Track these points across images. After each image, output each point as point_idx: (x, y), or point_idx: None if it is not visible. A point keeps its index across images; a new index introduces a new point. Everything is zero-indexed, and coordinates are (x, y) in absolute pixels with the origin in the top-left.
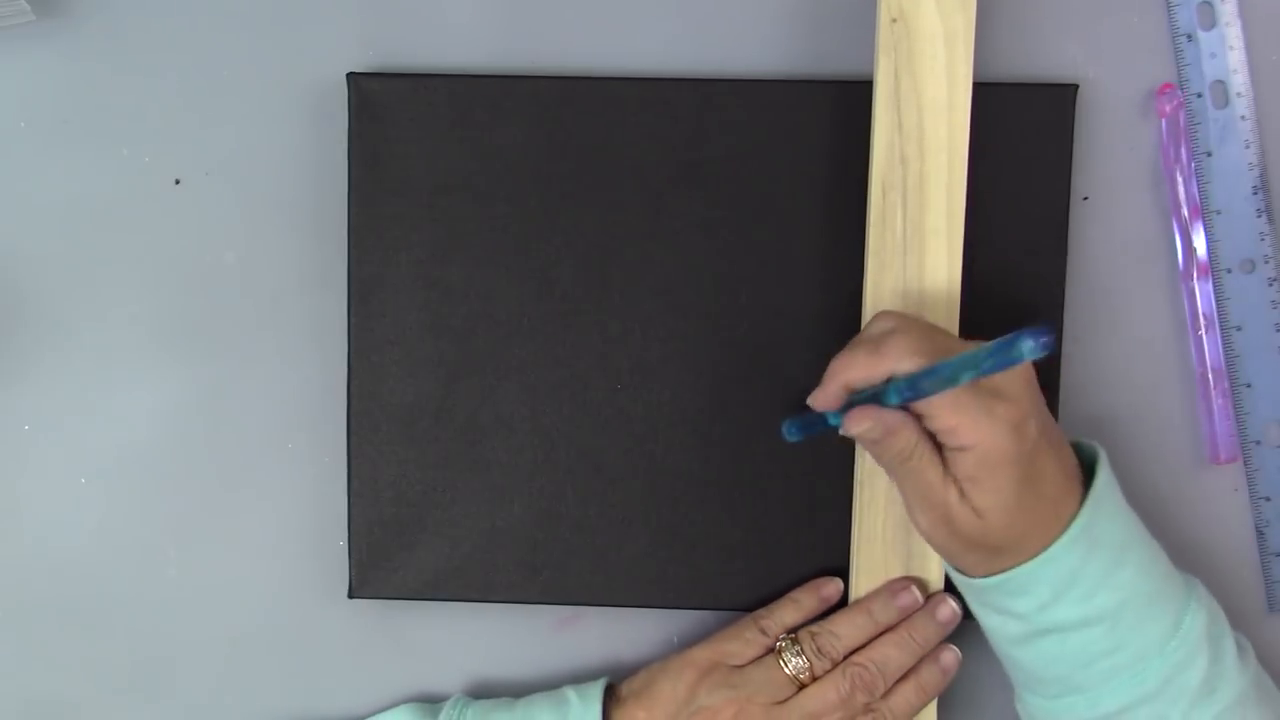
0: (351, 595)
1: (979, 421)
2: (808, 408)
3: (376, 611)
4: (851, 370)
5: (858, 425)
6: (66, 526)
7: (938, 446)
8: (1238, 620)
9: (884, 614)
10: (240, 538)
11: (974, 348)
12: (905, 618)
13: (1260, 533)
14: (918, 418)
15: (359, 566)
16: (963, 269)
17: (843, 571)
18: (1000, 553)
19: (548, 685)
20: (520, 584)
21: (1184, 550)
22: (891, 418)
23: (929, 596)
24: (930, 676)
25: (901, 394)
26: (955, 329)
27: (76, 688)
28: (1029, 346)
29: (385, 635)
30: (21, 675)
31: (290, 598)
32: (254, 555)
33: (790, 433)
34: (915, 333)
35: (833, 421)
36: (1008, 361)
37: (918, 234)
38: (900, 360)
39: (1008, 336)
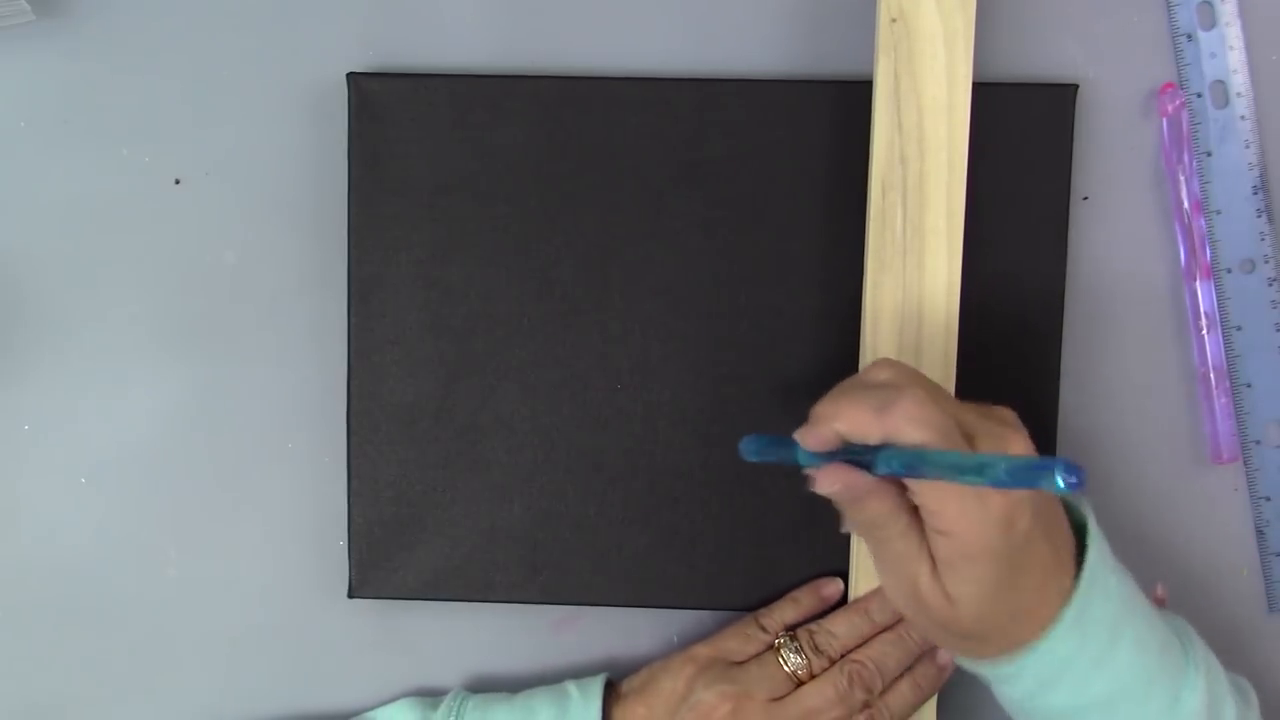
0: (351, 595)
1: (966, 509)
2: (778, 435)
3: (376, 611)
4: (850, 421)
5: (828, 485)
6: (66, 526)
7: (918, 516)
8: (1238, 620)
9: (881, 614)
10: (240, 537)
11: (987, 435)
12: (902, 617)
13: (1260, 533)
14: (902, 484)
15: (359, 566)
16: (962, 269)
17: (842, 571)
18: (973, 640)
19: (548, 684)
20: (520, 584)
21: (1184, 550)
22: (863, 483)
23: None
24: (927, 674)
25: (893, 468)
26: (954, 327)
27: (76, 688)
28: (1060, 480)
29: (385, 635)
30: (21, 675)
31: (290, 598)
32: (254, 555)
33: (749, 451)
34: (924, 399)
35: (801, 461)
36: (1028, 484)
37: (918, 234)
38: (905, 429)
39: (1037, 459)
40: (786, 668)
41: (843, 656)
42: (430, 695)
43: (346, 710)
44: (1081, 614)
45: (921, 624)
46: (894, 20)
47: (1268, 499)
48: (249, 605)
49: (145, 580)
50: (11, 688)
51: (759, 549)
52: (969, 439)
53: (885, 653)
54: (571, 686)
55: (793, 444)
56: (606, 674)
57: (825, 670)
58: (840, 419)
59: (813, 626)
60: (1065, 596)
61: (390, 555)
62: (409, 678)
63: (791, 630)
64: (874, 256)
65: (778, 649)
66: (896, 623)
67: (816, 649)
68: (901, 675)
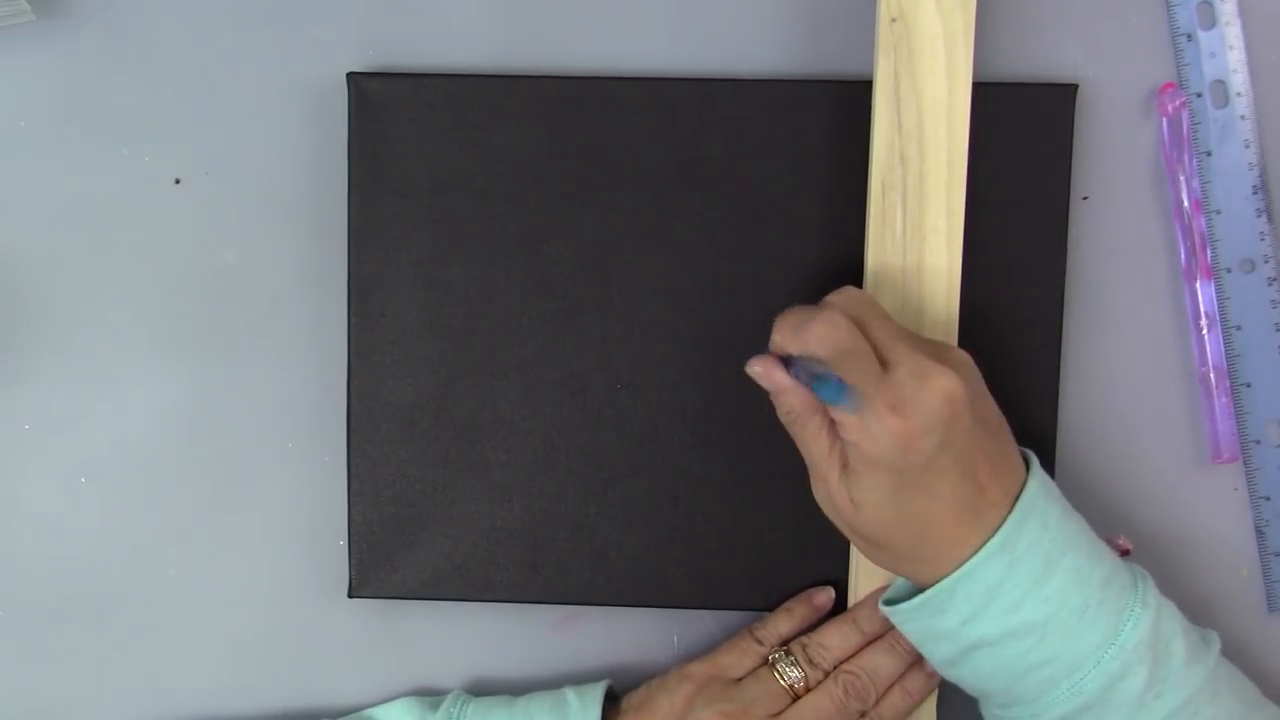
0: (351, 595)
1: (865, 422)
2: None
3: (376, 611)
4: (778, 333)
5: (753, 369)
6: (66, 526)
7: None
8: (1238, 620)
9: (870, 624)
10: (240, 537)
11: (906, 368)
12: (891, 626)
13: (1260, 533)
14: None
15: (359, 566)
16: (962, 268)
17: (843, 571)
18: (884, 550)
19: (548, 685)
20: (520, 584)
21: (1184, 550)
22: (781, 379)
23: None
24: (916, 682)
25: (798, 375)
26: (955, 327)
27: (76, 688)
28: (829, 392)
29: (385, 635)
30: (21, 675)
31: (290, 598)
32: (254, 555)
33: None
34: (835, 322)
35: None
36: (824, 399)
37: (918, 233)
38: (812, 346)
39: (826, 378)
40: (783, 682)
41: (835, 668)
42: (430, 695)
43: (346, 710)
44: (1011, 541)
45: (837, 525)
46: (894, 20)
47: (1267, 499)
48: (249, 605)
49: (145, 580)
50: (11, 688)
51: (759, 549)
52: (885, 365)
53: (877, 662)
54: (571, 694)
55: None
56: (607, 681)
57: (820, 682)
58: (775, 332)
59: (805, 639)
60: (992, 528)
61: (390, 555)
62: (409, 677)
63: (785, 644)
64: (874, 256)
65: (773, 664)
66: (886, 632)
67: (810, 661)
68: (892, 684)
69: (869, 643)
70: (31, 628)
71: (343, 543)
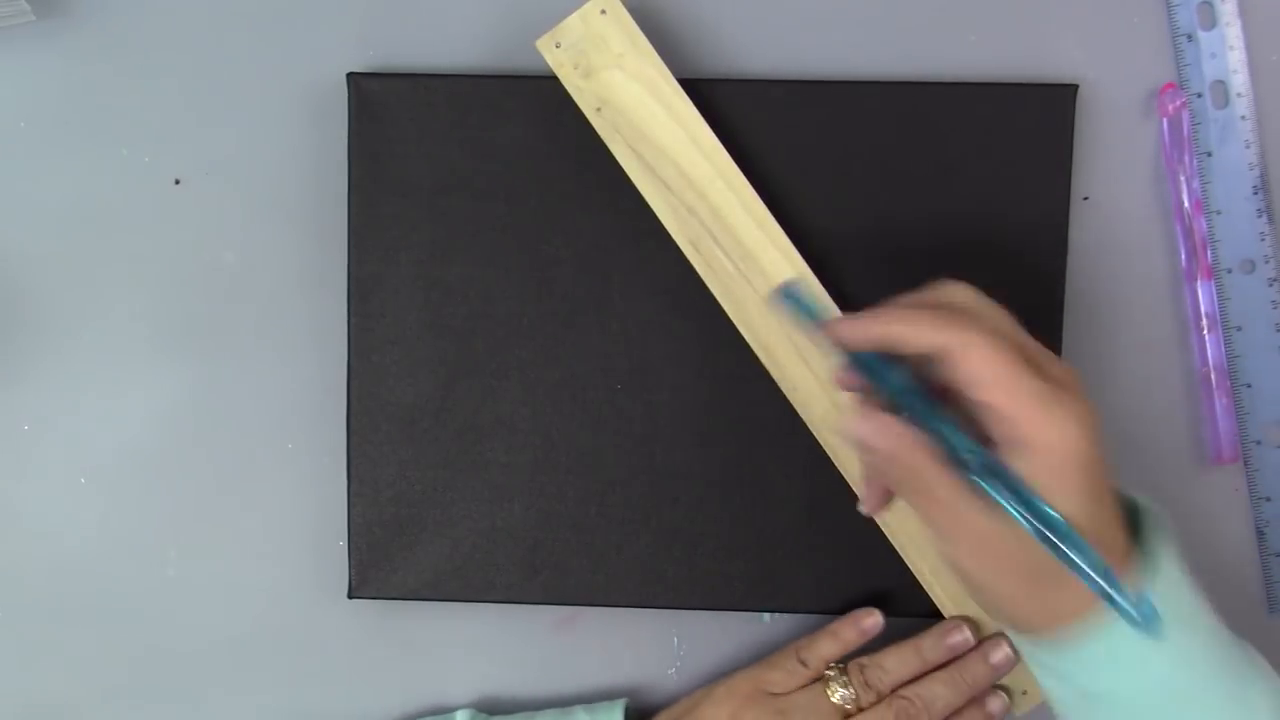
0: (351, 595)
1: (1046, 407)
2: (804, 298)
3: (376, 611)
4: (901, 325)
5: (857, 430)
6: (66, 526)
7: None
8: (1237, 620)
9: (933, 652)
10: (240, 538)
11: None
12: (955, 657)
13: (1260, 533)
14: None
15: (359, 566)
16: (962, 269)
17: (843, 571)
18: (1041, 589)
19: (548, 685)
20: (520, 584)
21: (1184, 551)
22: (899, 433)
23: (985, 639)
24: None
25: (913, 408)
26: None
27: (76, 688)
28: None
29: (385, 635)
30: (21, 675)
31: (290, 598)
32: (254, 555)
33: (786, 296)
34: (997, 346)
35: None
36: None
37: (746, 257)
38: (969, 363)
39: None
40: (834, 699)
41: (892, 692)
42: (430, 697)
43: (347, 711)
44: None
45: (984, 585)
46: (599, 109)
47: (1268, 499)
48: (249, 605)
49: (145, 580)
50: (11, 688)
51: (759, 549)
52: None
53: (936, 693)
54: (582, 714)
55: (819, 320)
56: (625, 700)
57: (873, 705)
58: (894, 321)
59: (864, 660)
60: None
61: (390, 555)
62: (409, 678)
63: (841, 663)
64: (729, 301)
65: (826, 681)
66: (948, 662)
67: (866, 683)
68: (948, 717)
69: (929, 671)
70: (31, 628)
71: (343, 543)
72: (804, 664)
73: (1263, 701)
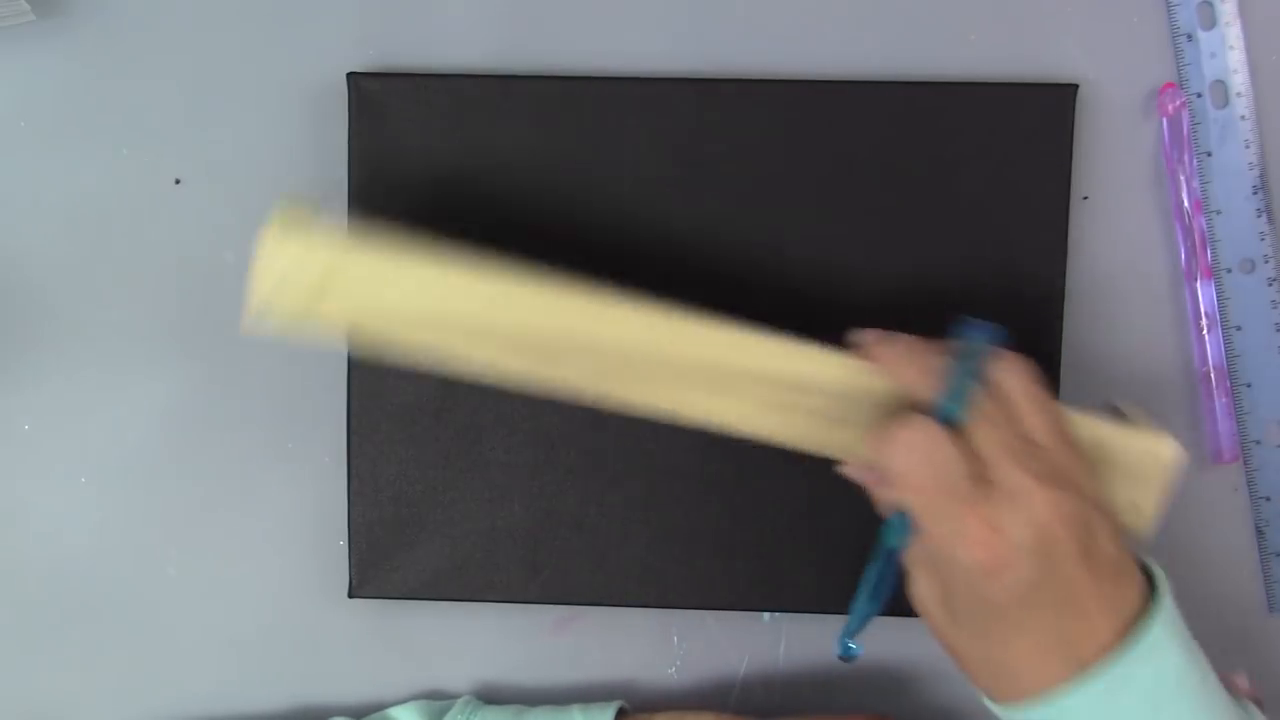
0: (351, 595)
1: (951, 539)
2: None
3: (376, 611)
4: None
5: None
6: (66, 526)
7: None
8: (1238, 620)
9: None
10: (240, 537)
11: (1005, 466)
12: None
13: (1260, 533)
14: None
15: (359, 566)
16: (962, 269)
17: (843, 571)
18: (973, 675)
19: (548, 685)
20: (520, 584)
21: (1184, 550)
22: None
23: None
24: None
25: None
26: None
27: (76, 688)
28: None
29: (385, 635)
30: (21, 675)
31: (290, 598)
32: (254, 555)
33: (845, 648)
34: (927, 441)
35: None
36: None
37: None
38: (890, 460)
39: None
40: None
41: None
42: (431, 697)
43: (347, 711)
44: (1113, 687)
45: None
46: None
47: (1268, 499)
48: (249, 605)
49: (145, 580)
50: (11, 688)
51: (759, 549)
52: (987, 482)
53: None
54: (578, 714)
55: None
56: (620, 702)
57: None
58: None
59: None
60: (1091, 667)
61: (390, 555)
62: (409, 677)
63: None
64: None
65: None
66: None
67: None
68: None
69: None
70: (31, 628)
71: (343, 543)
72: None
73: None
